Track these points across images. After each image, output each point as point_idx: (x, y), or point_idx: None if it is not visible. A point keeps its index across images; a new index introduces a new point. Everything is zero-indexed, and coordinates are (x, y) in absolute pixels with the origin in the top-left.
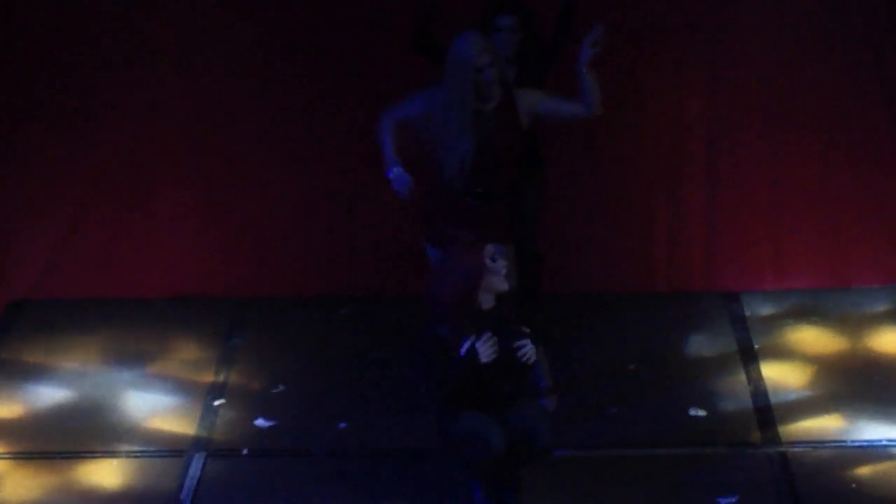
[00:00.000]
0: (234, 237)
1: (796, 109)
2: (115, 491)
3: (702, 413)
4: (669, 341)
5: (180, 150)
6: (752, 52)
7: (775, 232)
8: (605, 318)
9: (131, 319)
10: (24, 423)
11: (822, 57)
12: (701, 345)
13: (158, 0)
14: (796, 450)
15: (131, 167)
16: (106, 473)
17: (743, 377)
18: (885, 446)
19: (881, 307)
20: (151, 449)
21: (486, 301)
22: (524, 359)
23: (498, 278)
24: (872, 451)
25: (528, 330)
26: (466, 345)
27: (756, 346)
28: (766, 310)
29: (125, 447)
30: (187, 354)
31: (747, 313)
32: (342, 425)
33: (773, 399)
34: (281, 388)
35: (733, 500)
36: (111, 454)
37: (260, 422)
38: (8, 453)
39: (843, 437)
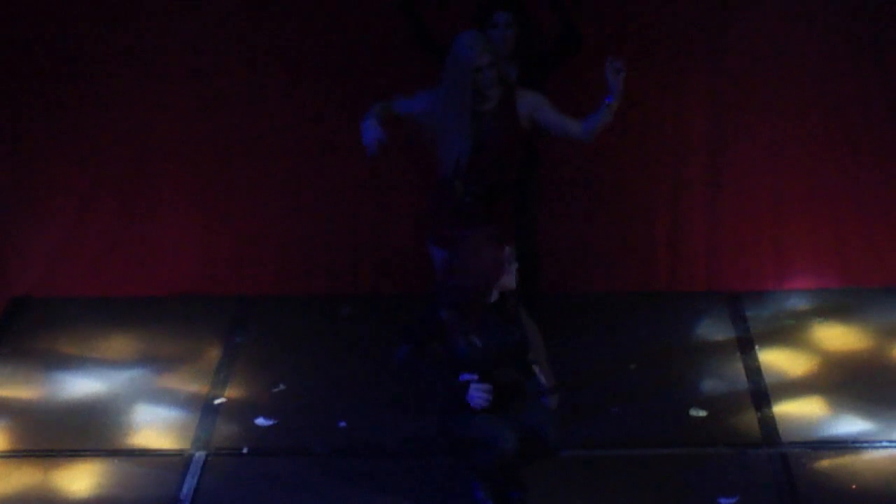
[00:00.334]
0: (235, 236)
1: (798, 109)
2: (115, 489)
3: (702, 413)
4: (671, 341)
5: (183, 149)
6: (753, 53)
7: (777, 232)
8: (607, 317)
9: (133, 317)
10: (25, 420)
11: (823, 58)
12: (702, 345)
13: (160, 2)
14: (797, 450)
15: (134, 165)
16: (107, 472)
17: (744, 377)
18: (886, 447)
19: (883, 308)
20: (152, 447)
21: (493, 296)
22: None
23: (510, 277)
24: (873, 452)
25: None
26: (465, 378)
27: (757, 347)
28: (768, 310)
29: (126, 446)
30: (188, 353)
31: (749, 313)
32: (343, 424)
33: (773, 399)
34: (282, 387)
35: (734, 500)
36: (112, 453)
37: (261, 421)
38: (8, 451)
39: (844, 438)
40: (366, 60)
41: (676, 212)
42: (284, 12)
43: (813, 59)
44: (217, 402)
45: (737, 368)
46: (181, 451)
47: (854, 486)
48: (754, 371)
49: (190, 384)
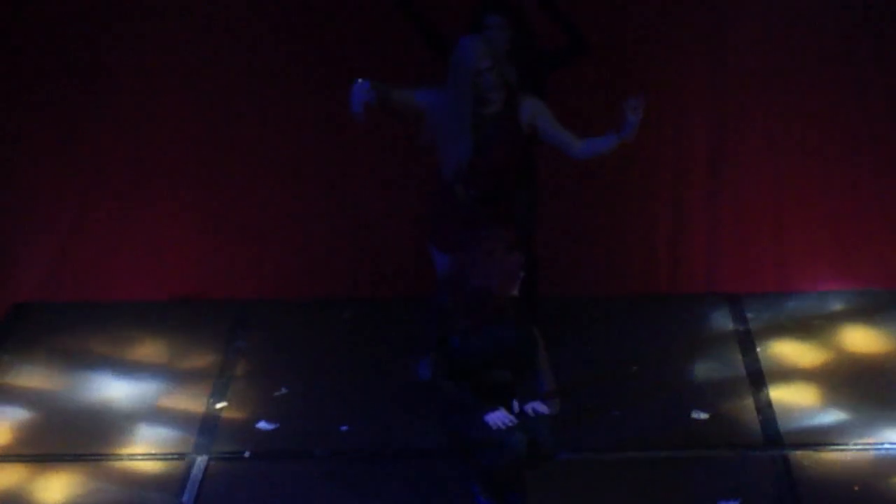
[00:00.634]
0: (236, 240)
1: (798, 111)
2: (117, 494)
3: (704, 415)
4: (672, 343)
5: (183, 154)
6: (754, 54)
7: (777, 234)
8: (608, 320)
9: (133, 322)
10: (26, 426)
11: (824, 59)
12: (703, 348)
13: (159, 5)
14: (798, 452)
15: (133, 170)
16: (108, 476)
17: (745, 380)
18: (888, 449)
19: (885, 309)
20: (154, 452)
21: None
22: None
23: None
24: (874, 454)
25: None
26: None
27: (758, 349)
28: (769, 313)
29: (127, 450)
30: (190, 357)
31: (749, 315)
32: (344, 428)
33: (775, 402)
34: (283, 390)
35: (736, 502)
36: (113, 457)
37: (262, 424)
38: (10, 456)
39: (846, 440)
40: (368, 63)
41: (677, 214)
42: (285, 15)
43: (813, 61)
44: (218, 406)
45: (738, 370)
46: (183, 455)
47: (856, 488)
48: (756, 373)
49: (191, 388)
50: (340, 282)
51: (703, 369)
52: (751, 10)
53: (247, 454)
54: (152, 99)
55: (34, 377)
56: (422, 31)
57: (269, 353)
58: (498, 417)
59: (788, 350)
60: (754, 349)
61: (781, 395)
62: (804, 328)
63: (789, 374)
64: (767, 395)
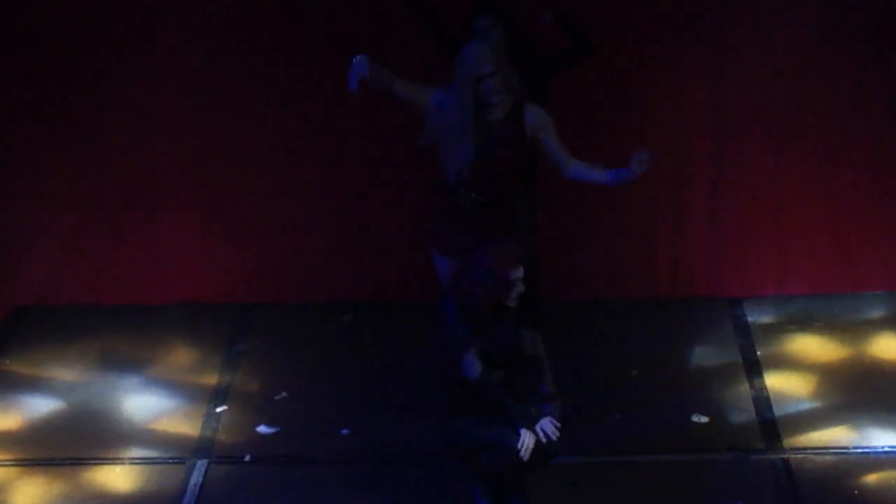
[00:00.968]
0: (237, 243)
1: (800, 114)
2: (117, 498)
3: (705, 419)
4: (672, 347)
5: (184, 157)
6: (755, 56)
7: (778, 238)
8: (609, 324)
9: (134, 326)
10: (27, 429)
11: (825, 61)
12: (704, 351)
13: (160, 8)
14: (799, 456)
15: (135, 174)
16: (109, 480)
17: (746, 383)
18: (888, 453)
19: (885, 313)
20: (154, 455)
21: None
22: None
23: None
24: (875, 458)
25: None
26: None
27: (759, 353)
28: (770, 316)
29: (128, 454)
30: (190, 361)
31: (750, 319)
32: (345, 432)
33: (775, 405)
34: (283, 394)
35: None
36: (114, 461)
37: (262, 428)
38: (11, 460)
39: (846, 444)
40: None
41: (677, 217)
42: (287, 15)
43: (814, 61)
44: (219, 409)
45: (738, 374)
46: (183, 458)
47: (856, 492)
48: (756, 377)
49: (192, 392)
50: (341, 286)
51: (704, 373)
52: (751, 10)
53: (247, 458)
54: (153, 102)
55: (34, 381)
56: (432, 30)
57: (270, 357)
58: (545, 426)
59: (789, 354)
60: (755, 353)
61: (782, 398)
62: (804, 332)
63: (790, 378)
64: (768, 398)
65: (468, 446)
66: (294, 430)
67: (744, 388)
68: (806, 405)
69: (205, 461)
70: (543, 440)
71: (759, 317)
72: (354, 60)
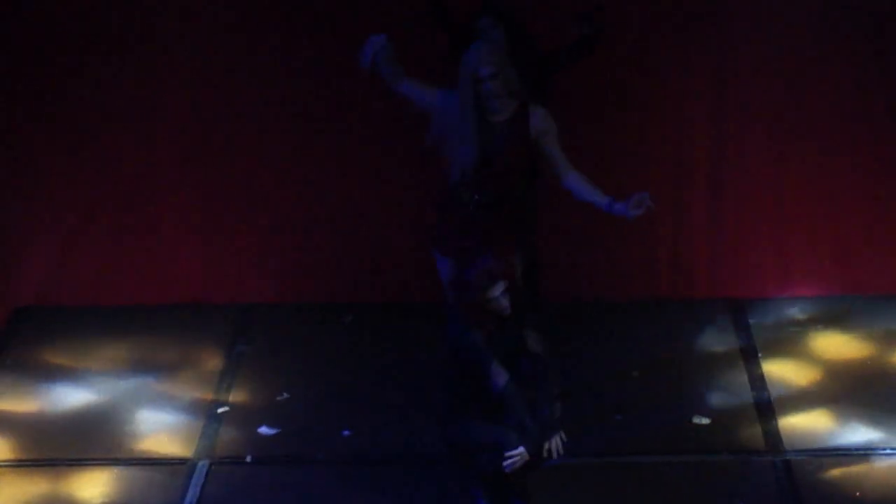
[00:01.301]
0: (238, 244)
1: (801, 115)
2: (118, 499)
3: (705, 421)
4: (673, 348)
5: (185, 157)
6: (756, 56)
7: (780, 239)
8: (609, 325)
9: (135, 327)
10: (28, 430)
11: (824, 59)
12: (705, 352)
13: (160, 8)
14: (800, 457)
15: (136, 174)
16: (110, 481)
17: (747, 385)
18: (889, 454)
19: (886, 315)
20: (155, 457)
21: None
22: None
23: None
24: (876, 459)
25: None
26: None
27: (760, 354)
28: (771, 317)
29: (129, 455)
30: (191, 362)
31: (751, 321)
32: (346, 433)
33: (777, 406)
34: (285, 395)
35: None
36: (115, 462)
37: (264, 429)
38: (12, 460)
39: (847, 445)
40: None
41: (678, 219)
42: (288, 15)
43: (814, 61)
44: (220, 410)
45: (740, 376)
46: (184, 459)
47: (858, 494)
48: (757, 378)
49: (193, 393)
50: (342, 286)
51: (705, 374)
52: (752, 10)
53: (248, 459)
54: (153, 102)
55: (35, 382)
56: (444, 26)
57: (271, 358)
58: (553, 444)
59: (790, 356)
60: (756, 355)
61: (783, 400)
62: (806, 333)
63: (791, 380)
64: (769, 399)
65: (468, 446)
66: (295, 430)
67: (745, 390)
68: (807, 406)
69: (206, 462)
70: (546, 455)
71: (760, 318)
72: (373, 38)
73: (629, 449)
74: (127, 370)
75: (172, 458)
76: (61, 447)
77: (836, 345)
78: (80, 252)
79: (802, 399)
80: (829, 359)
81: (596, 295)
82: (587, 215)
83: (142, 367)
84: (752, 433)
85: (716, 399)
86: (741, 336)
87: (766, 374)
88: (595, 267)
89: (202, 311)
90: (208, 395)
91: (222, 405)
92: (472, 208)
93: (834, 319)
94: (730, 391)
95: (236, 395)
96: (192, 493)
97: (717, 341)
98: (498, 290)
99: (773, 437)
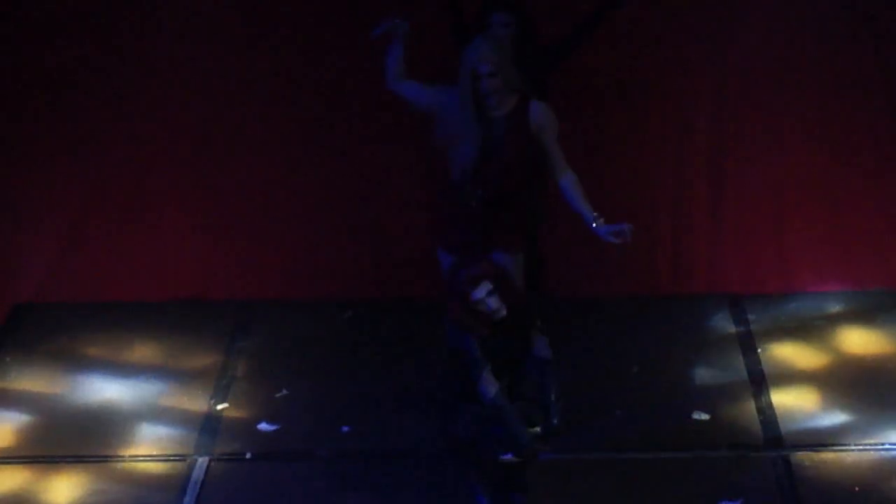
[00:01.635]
0: (237, 240)
1: (801, 111)
2: (118, 495)
3: (705, 416)
4: (673, 344)
5: (184, 154)
6: (755, 54)
7: (779, 235)
8: (609, 320)
9: (135, 323)
10: (27, 428)
11: (824, 59)
12: (705, 348)
13: (159, 8)
14: (799, 453)
15: (135, 170)
16: (110, 478)
17: (746, 381)
18: (889, 450)
19: (886, 310)
20: (155, 453)
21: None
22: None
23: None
24: (875, 455)
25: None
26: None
27: (760, 350)
28: (770, 313)
29: (129, 451)
30: (191, 358)
31: (751, 316)
32: (345, 429)
33: (776, 403)
34: (284, 391)
35: (737, 503)
36: (115, 458)
37: (263, 426)
38: (11, 458)
39: (847, 441)
40: (370, 66)
41: (678, 214)
42: (286, 14)
43: (814, 61)
44: (220, 407)
45: (739, 371)
46: (184, 456)
47: (856, 489)
48: (757, 374)
49: (192, 389)
50: (342, 282)
51: (705, 370)
52: (752, 10)
53: (248, 455)
54: (152, 99)
55: (35, 379)
56: (457, 17)
57: (271, 354)
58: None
59: (789, 351)
60: (755, 350)
61: (782, 395)
62: (805, 329)
63: (790, 375)
64: (768, 395)
65: (467, 442)
66: (295, 427)
67: (744, 386)
68: (806, 403)
69: (206, 458)
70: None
71: (760, 314)
72: (395, 20)
73: (629, 445)
74: (126, 367)
75: (172, 455)
76: (60, 444)
77: (836, 340)
78: (79, 249)
79: (802, 395)
80: (828, 354)
81: (595, 291)
82: None
83: (141, 363)
84: (752, 428)
85: (715, 395)
86: (741, 331)
87: (765, 371)
88: (594, 263)
89: (201, 308)
90: (208, 392)
91: (222, 401)
92: (474, 204)
93: (833, 315)
94: (729, 387)
95: (236, 392)
96: (192, 489)
97: (716, 336)
98: (482, 291)
99: (773, 433)
